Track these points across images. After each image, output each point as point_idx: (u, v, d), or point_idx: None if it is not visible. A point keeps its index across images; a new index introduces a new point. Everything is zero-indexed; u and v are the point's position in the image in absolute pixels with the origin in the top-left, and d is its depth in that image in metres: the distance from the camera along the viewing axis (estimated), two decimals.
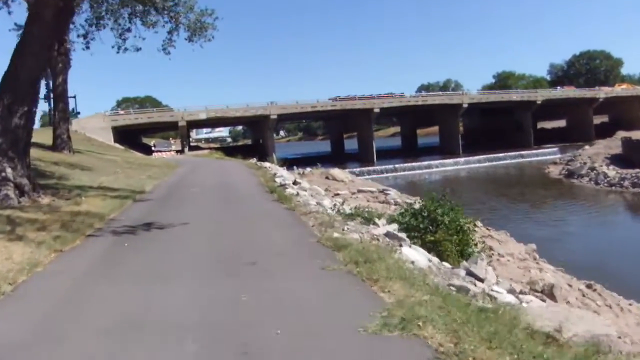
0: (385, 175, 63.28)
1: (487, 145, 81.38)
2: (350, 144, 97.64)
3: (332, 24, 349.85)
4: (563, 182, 50.00)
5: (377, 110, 71.05)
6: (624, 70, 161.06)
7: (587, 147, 60.80)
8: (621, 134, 71.83)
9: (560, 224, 31.65)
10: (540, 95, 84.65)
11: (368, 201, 22.25)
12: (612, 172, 45.85)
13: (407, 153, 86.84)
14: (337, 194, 21.60)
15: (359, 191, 24.94)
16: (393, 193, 25.31)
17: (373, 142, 73.70)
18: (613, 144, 60.78)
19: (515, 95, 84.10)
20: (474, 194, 45.68)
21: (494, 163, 69.89)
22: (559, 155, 73.82)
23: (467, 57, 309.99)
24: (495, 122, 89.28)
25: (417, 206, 14.44)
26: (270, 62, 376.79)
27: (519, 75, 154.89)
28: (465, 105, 75.69)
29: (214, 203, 16.98)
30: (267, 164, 32.27)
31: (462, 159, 69.91)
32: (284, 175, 23.71)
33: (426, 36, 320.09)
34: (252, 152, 59.56)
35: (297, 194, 16.68)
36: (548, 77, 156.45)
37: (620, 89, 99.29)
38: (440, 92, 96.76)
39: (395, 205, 21.68)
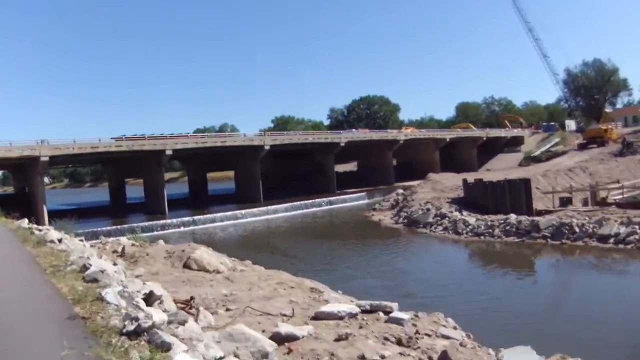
0: (181, 229, 52.46)
1: (288, 191, 73.84)
2: (134, 191, 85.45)
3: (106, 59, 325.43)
4: (403, 233, 42.55)
5: (169, 152, 59.40)
6: (401, 116, 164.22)
7: (418, 190, 54.76)
8: (433, 176, 67.78)
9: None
10: (344, 137, 78.46)
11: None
12: (472, 218, 39.09)
13: (196, 201, 76.19)
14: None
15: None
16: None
17: (164, 190, 61.88)
18: (439, 187, 55.63)
19: (319, 136, 76.85)
20: (313, 255, 36.93)
21: (304, 211, 61.90)
22: (366, 201, 68.32)
23: (244, 103, 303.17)
24: (296, 166, 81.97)
25: None
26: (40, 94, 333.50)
27: (298, 120, 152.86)
28: (267, 147, 66.77)
29: None
30: (53, 234, 18.57)
31: (270, 207, 60.59)
32: (101, 267, 9.61)
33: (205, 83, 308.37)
34: (16, 204, 44.79)
35: None
36: (328, 122, 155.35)
37: (410, 132, 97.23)
38: (239, 133, 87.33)
39: None
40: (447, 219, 40.85)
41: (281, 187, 74.70)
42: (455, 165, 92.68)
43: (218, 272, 15.03)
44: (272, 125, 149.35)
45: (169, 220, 54.38)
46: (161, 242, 20.12)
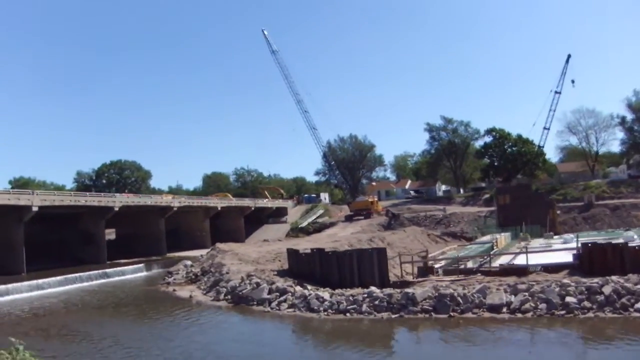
0: None
1: (49, 262, 63.43)
2: None
3: None
4: (232, 312, 36.28)
5: None
6: (153, 183, 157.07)
7: (225, 261, 49.02)
8: (221, 246, 62.80)
9: None
10: (119, 200, 69.89)
11: None
12: (325, 293, 34.13)
13: None
14: None
15: None
16: None
17: None
18: (247, 258, 50.78)
19: (93, 199, 67.29)
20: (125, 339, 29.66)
21: (79, 285, 52.59)
22: (145, 273, 61.14)
23: None
24: (56, 233, 71.40)
25: None
26: None
27: (39, 183, 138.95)
28: (35, 209, 56.45)
29: None
30: None
31: (40, 281, 50.41)
32: None
33: None
34: None
35: None
36: (74, 186, 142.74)
37: (173, 199, 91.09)
38: (4, 190, 74.10)
39: None
40: (289, 294, 35.47)
41: (39, 257, 63.49)
42: (222, 236, 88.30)
43: None
44: (9, 186, 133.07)
45: None
46: None
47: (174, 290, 46.22)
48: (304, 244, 65.02)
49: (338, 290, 34.42)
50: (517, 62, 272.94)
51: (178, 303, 40.77)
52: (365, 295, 32.43)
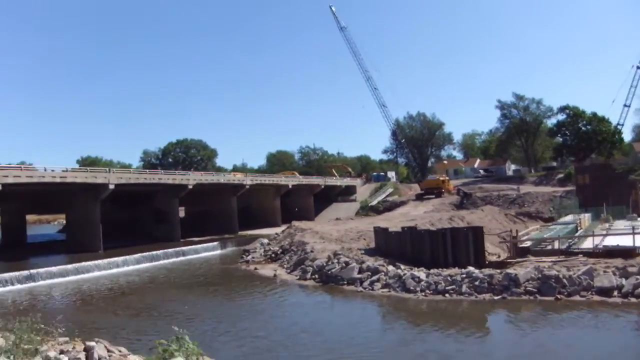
0: (15, 287, 40.33)
1: (123, 240, 63.06)
2: None
3: None
4: (322, 292, 34.70)
5: None
6: (218, 161, 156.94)
7: (306, 239, 47.78)
8: (297, 224, 61.60)
9: None
10: (192, 178, 69.13)
11: None
12: (421, 273, 32.40)
13: (12, 251, 60.08)
14: None
15: None
16: None
17: None
18: (328, 236, 49.37)
19: (168, 177, 66.54)
20: (224, 318, 28.45)
21: (154, 263, 51.75)
22: (219, 251, 60.16)
23: (46, 140, 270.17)
24: (128, 211, 71.23)
25: None
26: None
27: (106, 162, 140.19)
28: (111, 187, 55.97)
29: None
30: None
31: (118, 259, 49.71)
32: None
33: None
34: None
35: None
36: (140, 165, 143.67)
37: (244, 177, 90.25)
38: (79, 167, 74.30)
39: None
40: (382, 273, 33.91)
41: (113, 235, 63.03)
42: (291, 214, 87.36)
43: None
44: (77, 166, 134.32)
45: None
46: None
47: (255, 268, 45.24)
48: (380, 223, 63.18)
49: (434, 270, 32.91)
50: (594, 36, 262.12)
51: (263, 282, 39.77)
52: (464, 276, 31.01)
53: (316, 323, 26.46)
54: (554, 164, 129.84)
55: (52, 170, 54.37)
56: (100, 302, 34.77)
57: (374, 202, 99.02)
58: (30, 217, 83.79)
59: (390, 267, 34.29)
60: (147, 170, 72.93)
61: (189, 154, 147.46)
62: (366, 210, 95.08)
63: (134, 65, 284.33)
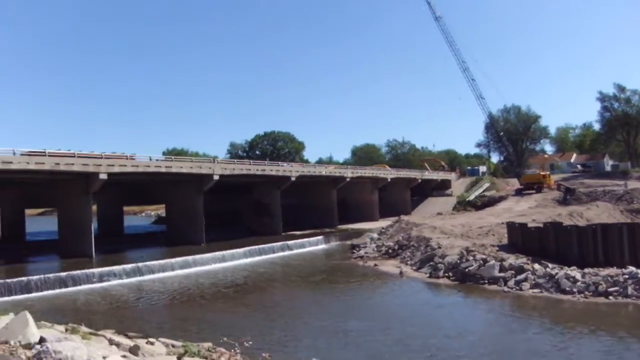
0: (123, 280, 38.60)
1: (221, 232, 61.92)
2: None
3: None
4: (463, 291, 32.04)
5: (103, 176, 45.83)
6: (306, 154, 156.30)
7: (428, 234, 45.22)
8: (404, 218, 59.22)
9: None
10: (295, 170, 67.29)
11: None
12: (576, 273, 29.51)
13: (108, 242, 58.97)
14: None
15: None
16: None
17: (91, 225, 48.09)
18: (449, 231, 46.70)
19: (271, 168, 64.58)
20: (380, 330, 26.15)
21: (261, 257, 49.87)
22: (324, 246, 58.13)
23: (133, 130, 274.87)
24: (228, 203, 69.94)
25: None
26: None
27: (192, 153, 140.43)
28: (216, 177, 54.38)
29: None
30: None
31: (226, 252, 48.05)
32: None
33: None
34: None
35: None
36: (227, 157, 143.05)
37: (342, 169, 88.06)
38: (186, 157, 73.58)
39: None
40: (529, 272, 31.09)
41: (212, 227, 61.32)
42: (387, 208, 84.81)
43: None
44: (162, 157, 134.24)
45: (105, 269, 39.73)
46: None
47: (375, 265, 42.99)
48: (488, 218, 60.48)
49: (588, 270, 30.18)
50: None
51: (389, 279, 37.66)
52: (627, 276, 28.10)
53: (469, 328, 23.99)
54: None
55: (157, 160, 53.37)
56: (215, 298, 33.20)
57: (472, 197, 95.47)
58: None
59: (537, 266, 31.65)
60: (250, 161, 71.09)
61: (277, 146, 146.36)
62: (463, 204, 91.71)
63: (222, 55, 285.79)
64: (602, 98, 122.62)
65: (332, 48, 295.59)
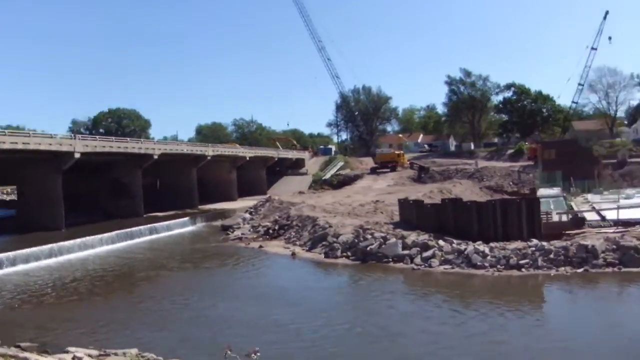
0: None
1: (78, 215, 56.99)
2: None
3: None
4: (367, 270, 30.95)
5: None
6: (152, 132, 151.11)
7: (304, 211, 43.81)
8: (275, 197, 57.93)
9: None
10: (157, 147, 63.45)
11: None
12: (484, 247, 29.44)
13: None
14: None
15: None
16: None
17: None
18: (339, 209, 45.77)
19: (134, 145, 60.16)
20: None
21: (128, 242, 46.16)
22: (191, 227, 55.65)
23: None
24: (87, 183, 64.60)
25: None
26: None
27: (29, 130, 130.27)
28: (77, 156, 49.93)
29: None
30: None
31: (94, 238, 44.17)
32: None
33: None
34: None
35: None
36: (69, 134, 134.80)
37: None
38: (37, 132, 66.51)
39: None
40: (435, 249, 30.63)
41: (69, 211, 56.29)
42: (244, 187, 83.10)
43: None
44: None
45: None
46: None
47: (260, 246, 41.12)
48: (356, 197, 60.40)
49: (494, 244, 30.57)
50: (542, 17, 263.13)
51: (281, 261, 35.75)
52: (533, 249, 28.88)
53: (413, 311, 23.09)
54: (496, 140, 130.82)
55: (5, 134, 47.36)
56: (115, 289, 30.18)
57: (327, 176, 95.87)
58: None
59: (441, 242, 31.48)
60: (114, 138, 66.42)
61: (122, 124, 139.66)
62: (319, 183, 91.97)
63: (63, 28, 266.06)
64: (450, 82, 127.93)
65: (176, 17, 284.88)
